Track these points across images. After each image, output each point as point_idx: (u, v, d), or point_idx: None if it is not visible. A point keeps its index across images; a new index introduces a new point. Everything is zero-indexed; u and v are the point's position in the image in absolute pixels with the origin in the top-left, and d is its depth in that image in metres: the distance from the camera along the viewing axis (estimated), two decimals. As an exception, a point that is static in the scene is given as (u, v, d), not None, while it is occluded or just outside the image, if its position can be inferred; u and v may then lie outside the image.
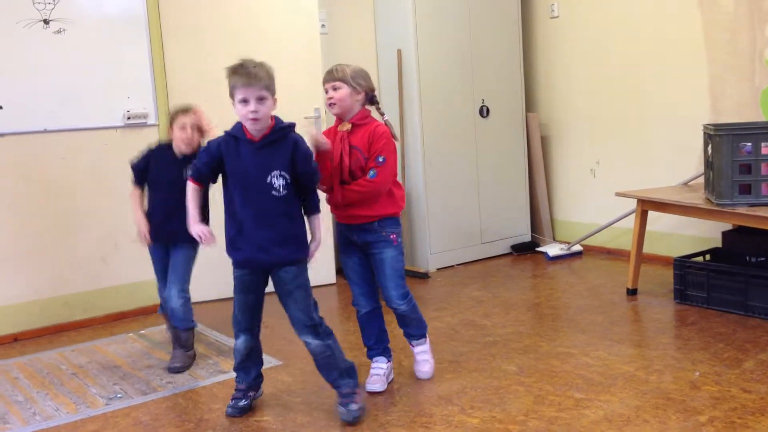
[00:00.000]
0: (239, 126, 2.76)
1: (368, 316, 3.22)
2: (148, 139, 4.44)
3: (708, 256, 4.26)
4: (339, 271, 5.00)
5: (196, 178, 2.80)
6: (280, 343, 3.79)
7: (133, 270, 4.45)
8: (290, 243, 2.77)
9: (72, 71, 4.21)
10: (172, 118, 3.47)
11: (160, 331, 4.15)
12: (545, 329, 3.85)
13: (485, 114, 5.40)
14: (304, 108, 4.64)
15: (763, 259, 4.05)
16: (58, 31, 4.14)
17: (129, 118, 4.39)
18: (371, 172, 2.99)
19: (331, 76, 3.01)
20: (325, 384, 2.99)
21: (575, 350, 3.48)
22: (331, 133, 3.07)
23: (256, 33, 4.58)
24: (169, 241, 3.49)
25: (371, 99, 3.09)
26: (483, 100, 5.39)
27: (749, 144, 3.58)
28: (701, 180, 4.12)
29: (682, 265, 4.07)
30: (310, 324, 2.84)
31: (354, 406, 2.83)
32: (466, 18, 5.26)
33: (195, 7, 4.52)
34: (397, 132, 3.49)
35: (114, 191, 4.37)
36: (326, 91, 3.02)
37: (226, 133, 2.78)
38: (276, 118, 2.78)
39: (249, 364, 2.99)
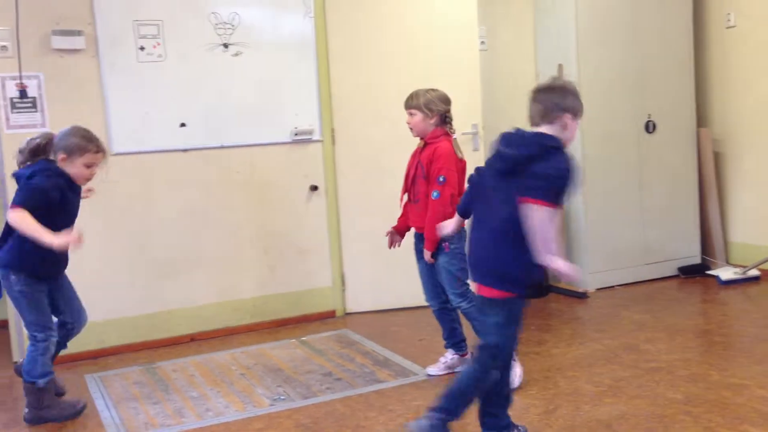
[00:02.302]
0: None
1: (439, 314, 3.57)
2: (313, 153, 4.68)
3: None
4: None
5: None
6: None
7: (298, 279, 4.67)
8: None
9: (247, 91, 4.50)
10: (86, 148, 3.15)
11: (320, 338, 4.33)
12: (715, 358, 3.61)
13: (651, 129, 5.17)
14: (463, 124, 4.67)
15: None
16: (236, 54, 4.45)
17: (296, 134, 4.63)
18: (434, 193, 3.30)
19: (408, 104, 3.41)
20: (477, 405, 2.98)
21: (750, 382, 3.23)
22: (415, 149, 3.51)
23: (416, 52, 4.67)
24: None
25: (444, 119, 3.41)
26: (649, 115, 5.16)
27: None
28: None
29: None
30: None
31: None
32: (632, 29, 5.07)
33: (359, 29, 4.69)
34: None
35: (282, 203, 4.61)
36: (407, 116, 3.43)
37: None
38: None
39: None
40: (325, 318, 4.71)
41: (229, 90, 4.46)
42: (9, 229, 3.11)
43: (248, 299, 4.57)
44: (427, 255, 3.38)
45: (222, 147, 4.46)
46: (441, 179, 3.30)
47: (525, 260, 2.43)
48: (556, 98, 2.50)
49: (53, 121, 4.03)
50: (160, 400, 3.48)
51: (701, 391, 3.18)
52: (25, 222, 2.94)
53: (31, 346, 3.20)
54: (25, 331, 3.33)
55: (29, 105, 4.02)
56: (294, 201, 4.66)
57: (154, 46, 4.26)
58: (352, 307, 4.80)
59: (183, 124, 4.34)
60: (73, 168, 3.11)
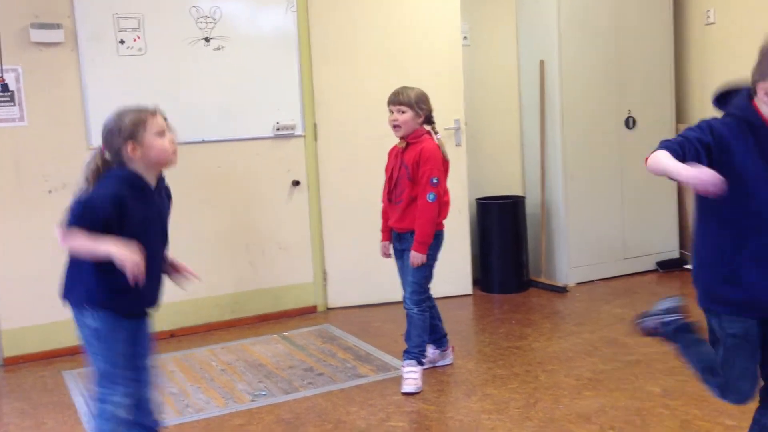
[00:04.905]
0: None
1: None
2: (296, 148, 4.67)
3: None
4: (476, 282, 4.99)
5: None
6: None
7: (279, 275, 4.66)
8: None
9: (228, 86, 4.48)
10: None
11: (301, 334, 4.32)
12: (693, 351, 3.65)
13: (631, 125, 5.21)
14: (445, 119, 4.69)
15: None
16: (217, 48, 4.43)
17: (278, 129, 4.62)
18: (430, 195, 3.28)
19: (398, 100, 3.31)
20: (458, 399, 3.00)
21: (726, 375, 3.27)
22: (394, 148, 3.45)
23: (399, 47, 4.68)
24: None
25: (428, 119, 3.38)
26: (629, 110, 5.20)
27: None
28: None
29: None
30: None
31: None
32: (613, 25, 5.10)
33: (341, 24, 4.68)
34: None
35: (263, 198, 4.61)
36: (391, 112, 3.34)
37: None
38: None
39: None
40: (307, 313, 4.71)
41: (210, 84, 4.43)
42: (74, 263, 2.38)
43: (229, 295, 4.55)
44: (419, 258, 3.32)
45: (203, 142, 4.43)
46: (435, 181, 3.29)
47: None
48: None
49: (31, 115, 3.99)
50: (141, 396, 3.46)
51: (679, 384, 3.22)
52: (73, 240, 2.21)
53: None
54: None
55: (7, 99, 3.97)
56: (276, 196, 4.65)
57: (135, 40, 4.23)
58: (333, 302, 4.80)
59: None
60: (150, 149, 2.32)
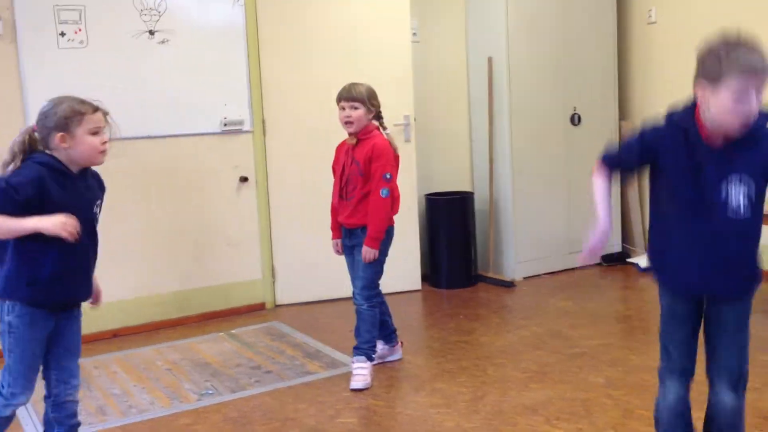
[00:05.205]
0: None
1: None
2: (244, 143, 4.61)
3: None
4: (425, 278, 5.02)
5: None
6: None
7: (226, 272, 4.61)
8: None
9: (174, 80, 4.39)
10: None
11: (249, 331, 4.28)
12: (636, 342, 3.74)
13: (577, 122, 5.30)
14: (395, 115, 4.69)
15: None
16: (162, 42, 4.35)
17: (226, 124, 4.56)
18: (384, 191, 3.29)
19: (351, 96, 3.31)
20: (407, 394, 3.00)
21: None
22: (343, 145, 3.46)
23: (349, 43, 4.66)
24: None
25: (377, 115, 3.39)
26: (575, 108, 5.29)
27: None
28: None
29: None
30: (743, 373, 2.17)
31: None
32: (560, 25, 5.18)
33: (290, 19, 4.64)
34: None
35: (211, 194, 4.54)
36: (343, 108, 3.33)
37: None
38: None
39: None
40: (255, 310, 4.66)
41: (155, 78, 4.34)
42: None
43: (175, 293, 4.47)
44: (372, 253, 3.31)
45: (149, 137, 4.34)
46: (388, 176, 3.31)
47: None
48: None
49: (-34, 108, 3.85)
50: (81, 398, 3.37)
51: (621, 374, 3.29)
52: None
53: None
54: None
55: (-60, 92, 3.83)
56: (223, 192, 4.59)
57: (76, 32, 4.12)
58: (282, 299, 4.77)
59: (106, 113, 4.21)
60: (80, 145, 2.30)
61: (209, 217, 4.56)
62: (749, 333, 2.16)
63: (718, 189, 2.01)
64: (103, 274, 3.82)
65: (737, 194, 2.00)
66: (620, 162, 2.22)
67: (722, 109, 1.94)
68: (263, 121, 4.65)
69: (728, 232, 2.03)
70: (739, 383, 2.16)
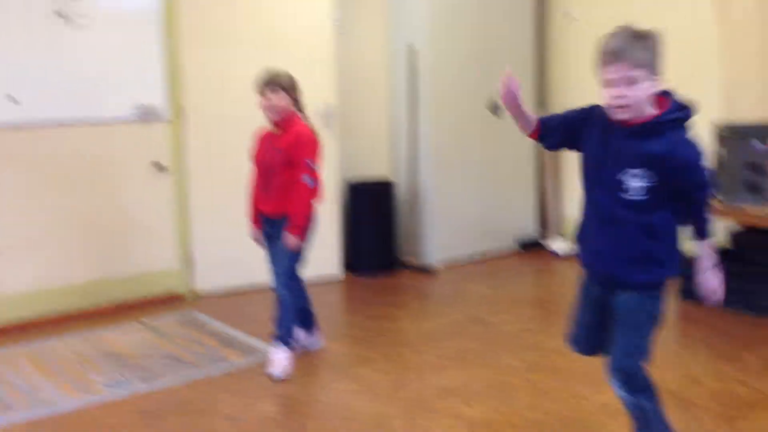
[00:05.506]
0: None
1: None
2: (160, 131, 4.47)
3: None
4: (346, 265, 5.00)
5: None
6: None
7: (142, 260, 4.46)
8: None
9: (87, 65, 4.19)
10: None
11: (165, 321, 4.15)
12: (551, 326, 3.83)
13: (496, 110, 5.38)
14: (315, 103, 4.63)
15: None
16: (75, 25, 4.14)
17: (142, 111, 4.40)
18: (307, 178, 3.25)
19: (272, 83, 3.26)
20: (327, 381, 2.98)
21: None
22: (263, 133, 3.40)
23: (270, 30, 4.56)
24: None
25: (298, 103, 3.37)
26: (494, 96, 5.36)
27: (760, 144, 3.55)
28: (712, 179, 4.08)
29: (689, 265, 4.03)
30: (622, 368, 2.16)
31: None
32: (481, 15, 5.23)
33: (211, 6, 4.51)
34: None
35: (126, 182, 4.38)
36: (264, 96, 3.27)
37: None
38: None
39: None
40: (172, 300, 4.53)
41: (67, 63, 4.14)
42: None
43: (87, 282, 4.30)
44: (295, 241, 3.26)
45: (60, 125, 4.15)
46: (311, 164, 3.27)
47: None
48: None
49: None
50: (-15, 393, 3.21)
51: (538, 358, 3.36)
52: None
53: None
54: None
55: None
56: (139, 180, 4.43)
57: (-22, 11, 3.89)
58: (201, 288, 4.65)
59: (13, 99, 3.99)
60: None
61: (124, 206, 4.40)
62: (648, 332, 2.11)
63: (615, 174, 2.06)
64: (11, 264, 3.65)
65: (633, 181, 2.04)
66: (549, 120, 2.26)
67: (602, 94, 2.05)
68: (181, 109, 4.52)
69: (622, 217, 2.07)
70: (628, 383, 2.11)
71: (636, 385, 2.15)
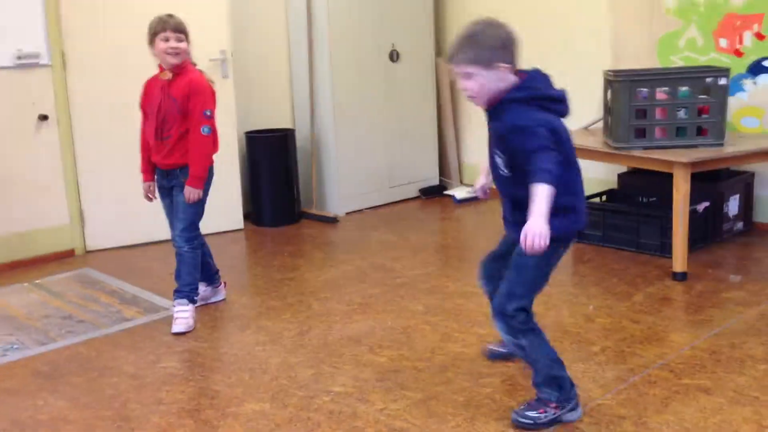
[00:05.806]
0: None
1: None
2: (41, 79, 4.22)
3: (605, 197, 4.44)
4: (247, 216, 4.94)
5: None
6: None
7: (28, 218, 4.25)
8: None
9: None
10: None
11: (57, 280, 4.00)
12: (452, 270, 3.94)
13: (395, 58, 5.36)
14: (211, 51, 4.48)
15: (654, 199, 4.25)
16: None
17: (19, 57, 4.13)
18: (205, 128, 3.18)
19: (178, 27, 3.15)
20: (232, 333, 2.96)
21: (480, 290, 3.57)
22: (154, 81, 3.24)
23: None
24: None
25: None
26: (393, 44, 5.34)
27: (645, 90, 3.71)
28: (601, 125, 4.25)
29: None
30: (499, 309, 2.33)
31: (530, 414, 2.34)
32: (375, -41, 5.16)
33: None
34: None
35: (6, 134, 4.13)
36: (167, 40, 3.13)
37: None
38: None
39: None
40: (63, 258, 4.36)
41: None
42: None
43: (-30, 243, 4.07)
44: (196, 193, 3.19)
45: (-76, 69, 3.84)
46: (208, 113, 3.19)
47: None
48: None
49: None
50: None
51: (439, 301, 3.46)
52: None
53: None
54: None
55: None
56: (21, 132, 4.19)
57: None
58: (93, 244, 4.49)
59: None
60: None
61: (6, 160, 4.15)
62: (528, 280, 2.30)
63: (492, 154, 2.32)
64: None
65: (496, 155, 2.29)
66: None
67: None
68: (63, 54, 4.27)
69: (503, 191, 2.36)
70: (507, 324, 2.29)
71: (513, 327, 2.30)
